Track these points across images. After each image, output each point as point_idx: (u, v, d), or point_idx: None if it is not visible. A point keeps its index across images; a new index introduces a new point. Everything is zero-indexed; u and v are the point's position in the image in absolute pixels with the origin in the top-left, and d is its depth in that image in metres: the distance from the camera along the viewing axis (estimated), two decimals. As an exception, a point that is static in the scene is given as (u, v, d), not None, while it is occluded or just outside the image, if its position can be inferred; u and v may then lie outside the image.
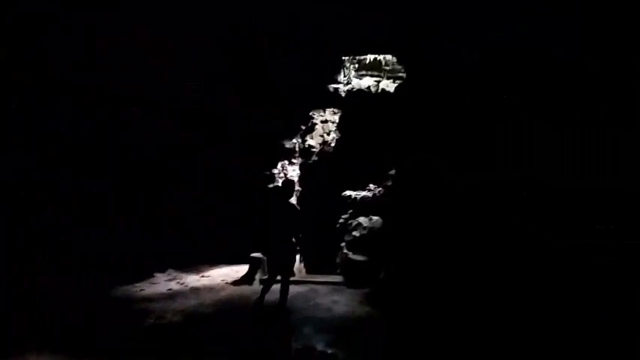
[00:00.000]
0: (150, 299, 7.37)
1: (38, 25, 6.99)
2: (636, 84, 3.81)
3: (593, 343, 3.48)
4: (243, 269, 8.92)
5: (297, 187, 10.03)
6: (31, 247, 8.14)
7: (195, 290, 7.96)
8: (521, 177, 5.00)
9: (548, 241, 4.24)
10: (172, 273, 9.18)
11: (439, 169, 6.58)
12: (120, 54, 7.75)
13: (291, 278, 8.40)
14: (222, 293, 7.70)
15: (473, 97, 5.95)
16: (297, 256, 9.57)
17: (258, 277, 8.30)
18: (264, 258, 8.56)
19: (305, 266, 9.64)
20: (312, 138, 11.45)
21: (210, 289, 8.04)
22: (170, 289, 8.04)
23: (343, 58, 10.11)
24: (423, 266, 6.35)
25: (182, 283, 8.49)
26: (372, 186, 9.47)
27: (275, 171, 9.78)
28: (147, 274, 8.86)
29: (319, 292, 7.44)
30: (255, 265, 8.48)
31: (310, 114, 10.83)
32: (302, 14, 7.18)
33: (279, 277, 6.45)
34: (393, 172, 8.17)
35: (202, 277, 9.01)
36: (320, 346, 4.97)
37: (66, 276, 7.67)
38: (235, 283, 8.36)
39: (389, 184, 8.46)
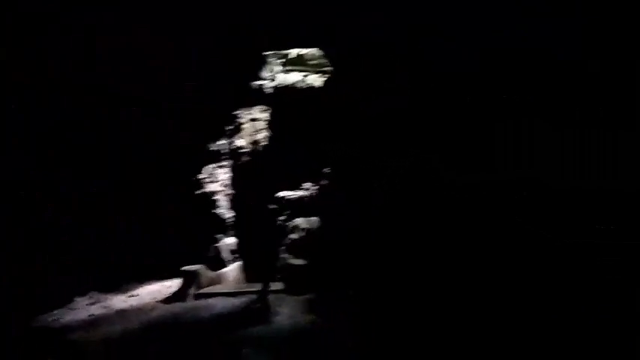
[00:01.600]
0: (67, 329, 6.57)
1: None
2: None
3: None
4: (175, 284, 8.29)
5: (228, 191, 9.52)
6: None
7: (122, 313, 7.23)
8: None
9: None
10: (95, 295, 8.31)
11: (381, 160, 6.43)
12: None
13: (228, 289, 7.98)
14: (153, 314, 7.05)
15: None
16: (236, 264, 9.12)
17: (191, 292, 7.71)
18: (199, 271, 8.01)
19: (245, 274, 9.18)
20: (241, 138, 10.92)
21: (138, 310, 7.35)
22: (92, 315, 7.25)
23: (265, 53, 9.67)
24: (373, 265, 6.15)
25: (106, 306, 7.69)
26: (308, 185, 9.16)
27: (202, 176, 9.16)
28: (65, 300, 7.96)
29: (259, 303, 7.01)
30: (188, 279, 7.89)
31: (237, 113, 10.29)
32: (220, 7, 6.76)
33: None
34: (328, 169, 7.90)
35: (130, 296, 8.24)
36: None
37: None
38: (167, 300, 7.72)
39: (325, 182, 8.18)
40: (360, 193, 6.71)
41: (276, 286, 7.79)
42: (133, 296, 8.26)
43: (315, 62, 10.61)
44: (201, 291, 7.80)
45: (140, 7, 6.87)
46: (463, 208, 5.44)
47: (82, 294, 8.23)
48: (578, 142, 4.20)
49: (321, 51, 9.25)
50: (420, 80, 6.31)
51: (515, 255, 4.46)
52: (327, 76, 9.86)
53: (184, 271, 7.96)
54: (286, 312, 6.42)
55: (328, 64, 9.27)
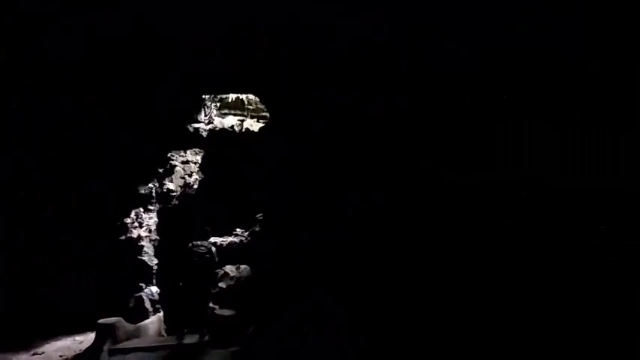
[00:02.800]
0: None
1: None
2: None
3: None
4: (88, 339, 7.55)
5: (154, 237, 9.02)
6: None
7: (23, 375, 6.43)
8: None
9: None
10: (-8, 354, 7.38)
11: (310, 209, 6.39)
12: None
13: (147, 344, 7.37)
14: (59, 375, 6.32)
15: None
16: (158, 315, 8.52)
17: (106, 347, 7.01)
18: (116, 324, 7.36)
19: (166, 326, 8.57)
20: (171, 181, 10.54)
21: (43, 370, 6.57)
22: (-13, 378, 6.40)
23: (204, 96, 9.56)
24: (296, 317, 5.95)
25: (5, 367, 6.83)
26: (239, 230, 8.93)
27: (128, 220, 8.63)
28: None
29: (181, 358, 6.52)
30: (103, 333, 7.18)
31: (169, 155, 9.97)
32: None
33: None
34: (260, 215, 7.74)
35: (34, 354, 7.38)
36: None
37: None
38: (78, 358, 6.98)
39: (257, 228, 7.99)
40: (291, 237, 6.58)
41: (201, 338, 7.33)
42: (37, 354, 7.40)
43: (252, 107, 10.66)
44: (118, 346, 7.13)
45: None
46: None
47: (-24, 352, 7.30)
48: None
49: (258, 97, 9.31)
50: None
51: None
52: (263, 121, 9.91)
53: (99, 324, 7.26)
54: (209, 368, 6.02)
55: (264, 109, 9.34)
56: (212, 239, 8.77)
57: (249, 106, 10.82)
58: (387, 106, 5.74)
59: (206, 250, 7.90)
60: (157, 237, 9.08)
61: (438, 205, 5.63)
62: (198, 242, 7.98)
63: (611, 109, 4.09)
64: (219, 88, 8.66)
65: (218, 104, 10.47)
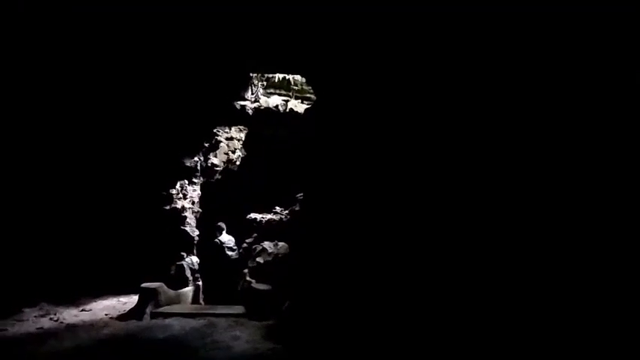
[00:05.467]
0: (14, 342, 6.16)
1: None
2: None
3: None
4: (132, 301, 7.96)
5: (197, 209, 9.31)
6: None
7: (72, 328, 6.85)
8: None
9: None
10: (45, 307, 7.91)
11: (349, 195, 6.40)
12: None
13: (187, 310, 7.70)
14: (105, 331, 6.70)
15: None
16: (197, 284, 8.85)
17: (149, 310, 7.38)
18: (158, 289, 7.71)
19: (204, 296, 8.90)
20: (215, 156, 10.81)
21: (90, 326, 6.98)
22: (41, 328, 6.86)
23: (251, 74, 9.67)
24: (331, 295, 6.04)
25: (56, 320, 7.30)
26: (278, 209, 9.06)
27: (173, 191, 8.93)
28: (12, 310, 7.52)
29: (218, 327, 6.76)
30: (146, 296, 7.57)
31: (215, 130, 10.19)
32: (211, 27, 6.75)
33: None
34: (301, 195, 7.82)
35: (82, 311, 7.86)
36: (217, 395, 4.37)
37: None
38: (121, 317, 7.37)
39: (296, 207, 8.09)
40: (331, 221, 6.64)
41: (238, 309, 7.59)
42: (85, 310, 7.89)
43: (298, 88, 10.69)
44: (159, 310, 7.50)
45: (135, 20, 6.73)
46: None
47: (32, 305, 7.85)
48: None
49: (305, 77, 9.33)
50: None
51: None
52: (308, 102, 9.94)
53: (143, 288, 7.64)
54: (245, 337, 6.22)
55: (310, 90, 9.35)
56: (252, 215, 8.99)
57: (295, 87, 10.84)
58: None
59: (246, 226, 8.22)
60: (200, 209, 9.35)
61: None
62: (240, 217, 8.39)
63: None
64: (266, 66, 8.76)
65: (264, 83, 10.54)
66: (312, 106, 7.89)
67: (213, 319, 7.14)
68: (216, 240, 9.00)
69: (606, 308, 3.44)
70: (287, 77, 10.74)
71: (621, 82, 3.78)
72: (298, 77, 10.38)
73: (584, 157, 3.94)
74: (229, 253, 8.90)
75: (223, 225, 9.15)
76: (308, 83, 9.19)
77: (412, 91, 5.79)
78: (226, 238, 9.04)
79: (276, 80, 10.78)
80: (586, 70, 4.01)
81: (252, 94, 10.06)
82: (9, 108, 7.97)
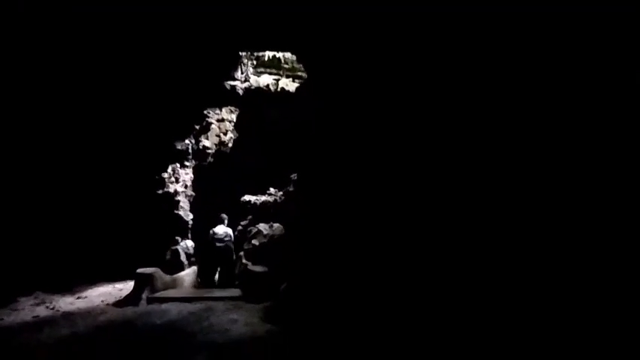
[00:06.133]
0: (10, 331, 6.08)
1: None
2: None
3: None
4: (128, 287, 7.90)
5: (190, 192, 9.21)
6: None
7: (69, 316, 6.78)
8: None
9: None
10: (40, 296, 7.84)
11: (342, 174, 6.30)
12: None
13: (183, 295, 7.66)
14: (102, 318, 6.63)
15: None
16: (193, 268, 8.81)
17: (145, 296, 7.33)
18: (154, 274, 7.66)
19: (200, 279, 8.87)
20: (207, 138, 10.66)
21: (87, 313, 6.91)
22: (37, 316, 6.78)
23: (240, 53, 9.45)
24: (328, 276, 5.99)
25: (52, 308, 7.23)
26: (272, 190, 8.97)
27: (165, 175, 8.81)
28: (8, 299, 7.45)
29: (215, 310, 6.72)
30: (142, 282, 7.50)
31: (205, 112, 10.02)
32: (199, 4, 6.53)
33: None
34: (294, 175, 7.73)
35: (78, 298, 7.79)
36: (216, 379, 4.34)
37: None
38: (118, 304, 7.31)
39: (291, 188, 8.01)
40: (325, 203, 6.56)
41: (234, 292, 7.56)
42: (80, 298, 7.82)
43: (288, 66, 10.49)
44: (155, 295, 7.45)
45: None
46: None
47: (27, 294, 7.77)
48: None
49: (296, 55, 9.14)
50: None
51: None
52: (299, 81, 9.76)
53: (138, 273, 7.57)
54: (243, 320, 6.19)
55: (301, 68, 9.17)
56: (246, 197, 8.90)
57: (285, 65, 10.65)
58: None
59: (240, 208, 8.12)
60: (193, 193, 9.25)
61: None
62: (217, 231, 8.42)
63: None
64: (256, 44, 8.54)
65: (254, 62, 10.34)
66: (304, 84, 7.74)
67: (209, 302, 7.10)
68: (210, 231, 8.89)
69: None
70: (277, 55, 10.54)
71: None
72: (289, 55, 10.18)
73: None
74: (218, 244, 8.78)
75: (225, 216, 9.00)
76: (299, 61, 8.99)
77: (405, 66, 5.63)
78: (221, 230, 8.87)
79: (267, 59, 10.58)
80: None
81: (242, 73, 9.87)
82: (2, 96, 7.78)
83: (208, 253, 8.86)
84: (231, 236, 8.78)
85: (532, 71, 4.27)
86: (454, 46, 4.93)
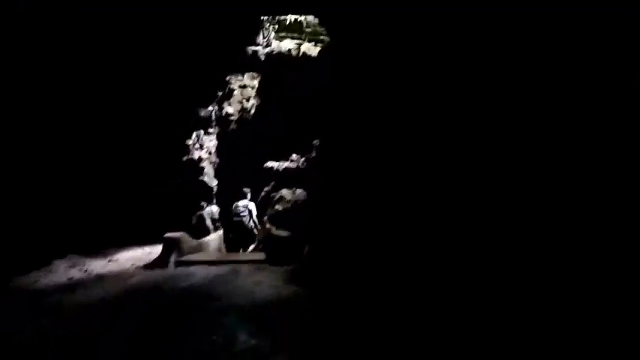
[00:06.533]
0: (45, 292, 6.37)
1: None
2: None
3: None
4: (156, 251, 8.15)
5: (214, 159, 9.30)
6: None
7: (101, 278, 7.06)
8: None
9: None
10: (74, 259, 8.16)
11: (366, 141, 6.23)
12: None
13: (209, 258, 7.86)
14: (132, 280, 6.88)
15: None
16: (219, 233, 8.99)
17: (173, 259, 7.56)
18: (181, 238, 7.86)
19: (225, 244, 9.07)
20: (229, 105, 10.65)
21: (117, 275, 7.18)
22: (71, 278, 7.08)
23: (262, 18, 9.31)
24: (349, 240, 6.04)
25: (85, 271, 7.53)
26: (295, 156, 8.99)
27: (189, 142, 8.91)
28: (43, 262, 7.78)
29: (241, 273, 6.87)
30: (169, 246, 7.73)
31: (227, 79, 9.98)
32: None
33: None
34: (317, 142, 7.70)
35: (109, 261, 8.10)
36: (242, 337, 4.46)
37: None
38: (147, 267, 7.57)
39: (313, 154, 8.00)
40: (348, 168, 6.53)
41: (259, 256, 7.71)
42: (112, 261, 8.12)
43: (310, 30, 10.29)
44: (183, 258, 7.67)
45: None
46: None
47: (61, 257, 8.08)
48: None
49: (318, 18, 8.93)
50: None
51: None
52: (322, 45, 9.58)
53: (166, 237, 7.80)
54: (268, 282, 6.33)
55: (324, 32, 8.98)
56: (269, 163, 8.95)
57: (307, 29, 10.44)
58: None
59: (263, 174, 8.17)
60: (217, 159, 9.35)
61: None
62: (257, 165, 8.30)
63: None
64: (278, 8, 8.38)
65: (276, 26, 10.17)
66: (326, 47, 7.59)
67: (235, 265, 7.26)
68: (234, 204, 8.95)
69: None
70: (299, 19, 10.32)
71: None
72: (311, 18, 9.96)
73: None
74: (235, 219, 8.84)
75: (247, 190, 9.01)
76: (321, 24, 8.80)
77: (432, 31, 5.44)
78: (242, 204, 8.92)
79: (288, 23, 10.38)
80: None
81: (264, 38, 9.75)
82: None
83: (230, 224, 9.04)
84: (250, 210, 8.88)
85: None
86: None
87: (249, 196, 9.08)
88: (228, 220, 9.03)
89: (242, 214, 8.90)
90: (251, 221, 8.80)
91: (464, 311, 4.32)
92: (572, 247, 3.64)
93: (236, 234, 8.99)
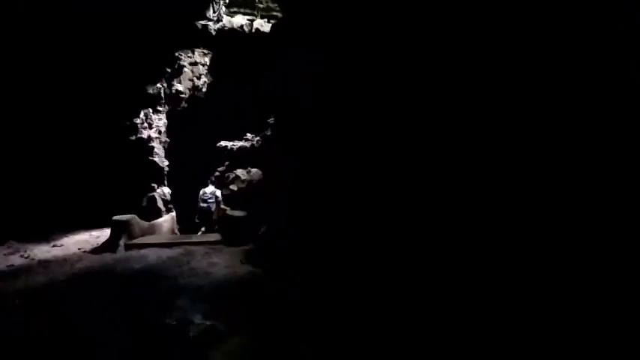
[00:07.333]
0: (-16, 280, 6.00)
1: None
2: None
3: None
4: (105, 234, 7.82)
5: (164, 139, 8.98)
6: None
7: (45, 264, 6.69)
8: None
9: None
10: (15, 245, 7.70)
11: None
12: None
13: (162, 240, 7.64)
14: (79, 265, 6.57)
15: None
16: (171, 215, 8.75)
17: (123, 242, 7.27)
18: (131, 220, 7.57)
19: (179, 226, 8.84)
20: (180, 82, 10.28)
21: (63, 260, 6.83)
22: (12, 265, 6.67)
23: (212, -9, 8.97)
24: (308, 219, 6.01)
25: (27, 257, 7.11)
26: (249, 135, 8.83)
27: (137, 121, 8.53)
28: (-20, 249, 7.32)
29: (195, 254, 6.73)
30: (119, 229, 7.42)
31: (177, 54, 9.58)
32: None
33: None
34: (272, 120, 7.57)
35: (54, 246, 7.68)
36: (197, 319, 4.37)
37: None
38: (95, 251, 7.25)
39: (268, 132, 7.87)
40: (303, 147, 6.47)
41: (214, 237, 7.57)
42: (56, 246, 7.71)
43: (263, 6, 10.03)
44: (133, 241, 7.40)
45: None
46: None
47: (0, 243, 7.61)
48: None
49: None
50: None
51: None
52: (274, 22, 9.36)
53: (115, 220, 7.48)
54: (223, 263, 6.23)
55: (277, 8, 8.77)
56: (223, 142, 8.75)
57: (260, 4, 10.17)
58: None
59: (217, 154, 7.97)
60: (167, 139, 9.03)
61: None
62: (210, 145, 8.09)
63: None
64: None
65: (227, 1, 9.82)
66: (279, 21, 7.41)
67: (189, 247, 7.10)
68: (201, 190, 8.81)
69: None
70: (251, -7, 10.05)
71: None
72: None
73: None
74: (202, 205, 8.68)
75: (213, 178, 8.87)
76: (274, 0, 8.60)
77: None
78: (209, 191, 8.78)
79: (240, -3, 10.08)
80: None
81: (215, 12, 9.38)
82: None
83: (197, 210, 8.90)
84: (217, 197, 8.71)
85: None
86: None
87: (211, 183, 8.93)
88: (196, 206, 8.88)
89: (209, 200, 8.83)
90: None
91: (425, 286, 4.41)
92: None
93: (202, 219, 8.84)
